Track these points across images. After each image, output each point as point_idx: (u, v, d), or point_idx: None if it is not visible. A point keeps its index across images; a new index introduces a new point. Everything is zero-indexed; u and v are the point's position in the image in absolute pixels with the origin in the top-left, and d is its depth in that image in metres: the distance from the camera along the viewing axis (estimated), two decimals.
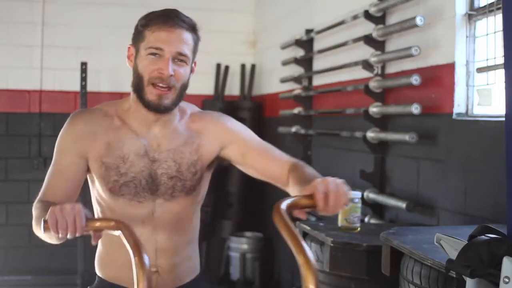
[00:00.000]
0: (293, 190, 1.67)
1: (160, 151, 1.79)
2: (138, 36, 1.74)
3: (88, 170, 1.80)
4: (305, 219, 1.52)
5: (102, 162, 1.76)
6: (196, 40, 1.76)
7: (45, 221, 1.45)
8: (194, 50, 1.76)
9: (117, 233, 1.45)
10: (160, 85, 1.70)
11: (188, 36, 1.72)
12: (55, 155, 1.81)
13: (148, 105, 1.73)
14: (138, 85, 1.73)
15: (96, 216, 1.86)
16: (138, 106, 1.77)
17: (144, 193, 1.78)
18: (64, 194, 1.74)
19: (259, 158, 1.83)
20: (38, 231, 1.58)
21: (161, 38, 1.69)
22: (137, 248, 1.37)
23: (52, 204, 1.59)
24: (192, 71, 1.79)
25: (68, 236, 1.44)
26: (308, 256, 1.19)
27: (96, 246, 1.86)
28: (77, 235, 1.45)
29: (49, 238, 1.56)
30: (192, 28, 1.74)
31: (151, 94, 1.71)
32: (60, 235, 1.45)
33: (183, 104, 1.86)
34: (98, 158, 1.76)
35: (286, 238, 1.25)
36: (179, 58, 1.70)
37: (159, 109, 1.74)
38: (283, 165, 1.78)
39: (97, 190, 1.83)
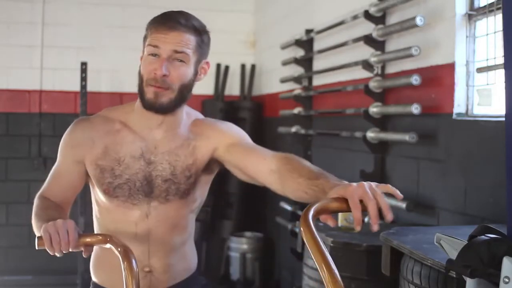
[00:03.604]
0: (296, 183, 1.53)
1: (156, 153, 1.80)
2: (144, 40, 1.76)
3: (87, 173, 1.85)
4: (334, 225, 1.37)
5: (97, 164, 1.79)
6: (200, 42, 1.74)
7: (39, 238, 1.51)
8: (198, 51, 1.74)
9: (108, 246, 1.53)
10: (156, 85, 1.70)
11: (188, 37, 1.70)
12: (58, 157, 1.88)
13: (146, 104, 1.73)
14: (139, 86, 1.74)
15: (94, 217, 1.90)
16: (143, 109, 1.77)
17: (138, 195, 1.78)
18: (61, 196, 1.82)
19: (243, 154, 1.76)
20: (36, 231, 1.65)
21: (158, 37, 1.69)
22: (126, 254, 1.47)
23: (50, 204, 1.75)
24: (203, 72, 1.79)
25: (62, 250, 1.49)
26: (334, 273, 1.12)
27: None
28: (70, 250, 1.51)
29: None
30: (194, 29, 1.72)
31: (148, 93, 1.71)
32: (55, 251, 1.50)
33: (190, 110, 1.87)
34: (93, 161, 1.80)
35: (310, 248, 1.18)
36: (177, 57, 1.69)
37: (155, 107, 1.72)
38: (270, 159, 1.66)
39: (95, 192, 1.85)
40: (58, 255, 1.51)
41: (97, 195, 1.84)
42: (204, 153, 1.83)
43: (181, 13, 1.74)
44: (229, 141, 1.81)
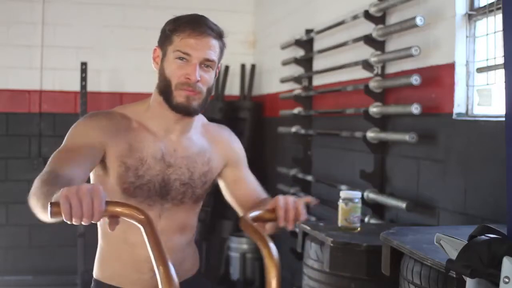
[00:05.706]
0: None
1: (176, 157, 1.81)
2: (165, 40, 1.74)
3: (100, 165, 1.73)
4: (267, 233, 1.57)
5: (123, 161, 1.74)
6: (222, 47, 1.77)
7: (53, 205, 1.22)
8: (220, 56, 1.78)
9: (138, 225, 1.28)
10: (188, 90, 1.71)
11: (215, 43, 1.73)
12: (67, 139, 1.71)
13: (177, 108, 1.73)
14: (165, 89, 1.74)
15: None
16: (162, 108, 1.76)
17: (155, 197, 1.79)
18: (73, 170, 1.58)
19: (246, 193, 1.94)
20: (38, 209, 1.43)
21: (189, 44, 1.69)
22: (160, 255, 1.20)
23: (62, 178, 1.49)
24: (216, 74, 1.81)
25: (83, 223, 1.25)
26: (271, 249, 1.31)
27: (100, 242, 1.87)
28: (94, 221, 1.27)
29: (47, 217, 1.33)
30: (219, 35, 1.75)
31: (180, 96, 1.72)
32: (74, 222, 1.25)
33: None
34: (119, 157, 1.73)
35: (253, 236, 1.41)
36: (205, 63, 1.71)
37: (189, 111, 1.74)
38: (251, 199, 1.91)
39: (106, 189, 1.79)
40: (75, 223, 1.26)
41: (109, 193, 1.77)
42: (217, 166, 1.92)
43: (205, 18, 1.76)
44: (236, 162, 1.96)
